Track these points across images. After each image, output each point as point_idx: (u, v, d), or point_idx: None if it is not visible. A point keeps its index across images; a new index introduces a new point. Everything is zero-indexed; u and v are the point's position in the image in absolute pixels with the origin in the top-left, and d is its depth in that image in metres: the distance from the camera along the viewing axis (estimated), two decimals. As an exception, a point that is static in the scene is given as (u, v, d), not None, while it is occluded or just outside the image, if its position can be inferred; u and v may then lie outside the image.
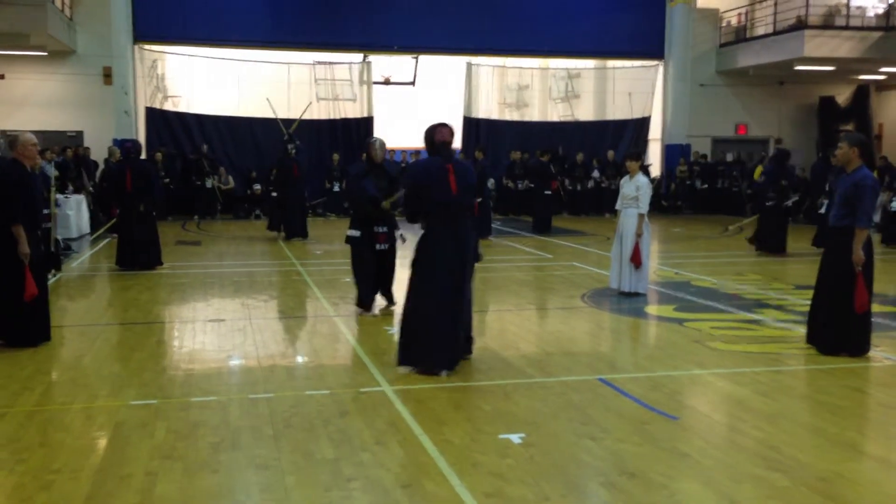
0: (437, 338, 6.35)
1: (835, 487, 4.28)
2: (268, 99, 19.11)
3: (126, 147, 12.36)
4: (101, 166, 18.47)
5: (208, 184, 20.77)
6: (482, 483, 4.29)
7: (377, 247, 8.65)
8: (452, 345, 6.41)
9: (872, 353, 7.01)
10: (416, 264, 6.60)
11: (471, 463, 4.58)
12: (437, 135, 6.61)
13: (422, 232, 6.63)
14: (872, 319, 7.10)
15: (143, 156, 19.65)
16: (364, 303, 8.77)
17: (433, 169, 6.53)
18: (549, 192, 18.31)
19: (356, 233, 8.68)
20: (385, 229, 8.68)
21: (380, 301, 8.98)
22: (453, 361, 6.44)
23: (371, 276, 8.71)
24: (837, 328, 6.93)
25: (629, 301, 9.61)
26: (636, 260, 9.71)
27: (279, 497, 4.12)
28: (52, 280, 10.84)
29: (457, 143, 23.34)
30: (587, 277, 11.45)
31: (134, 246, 11.79)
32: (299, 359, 7.09)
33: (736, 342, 7.61)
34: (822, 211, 14.47)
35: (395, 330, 8.01)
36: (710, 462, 4.62)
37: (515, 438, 4.95)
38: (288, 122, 18.01)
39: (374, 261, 8.65)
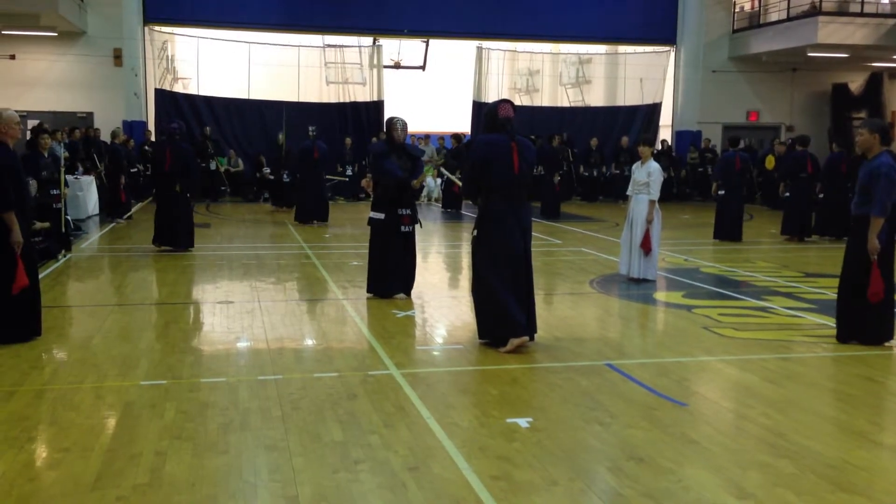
0: (504, 311, 6.44)
1: (843, 475, 4.27)
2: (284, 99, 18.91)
3: (171, 128, 12.40)
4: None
5: (212, 166, 20.73)
6: (489, 466, 4.30)
7: (402, 228, 8.52)
8: (520, 314, 6.47)
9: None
10: (477, 242, 6.62)
11: (478, 446, 4.58)
12: (500, 111, 6.53)
13: (480, 212, 6.65)
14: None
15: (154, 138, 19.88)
16: (376, 288, 8.66)
17: (498, 145, 6.45)
18: (559, 178, 18.27)
19: (380, 215, 8.51)
20: (409, 211, 8.56)
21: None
22: (529, 327, 6.56)
23: (392, 260, 8.55)
24: (852, 317, 6.90)
25: (638, 287, 9.59)
26: (646, 246, 9.68)
27: (287, 478, 4.14)
28: (62, 260, 10.90)
29: (466, 127, 23.37)
30: (596, 263, 11.42)
31: (167, 225, 11.90)
32: (308, 341, 7.10)
33: (745, 329, 7.59)
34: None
35: (402, 314, 8.03)
36: (718, 448, 4.61)
37: (523, 423, 4.95)
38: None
39: (396, 244, 8.52)
